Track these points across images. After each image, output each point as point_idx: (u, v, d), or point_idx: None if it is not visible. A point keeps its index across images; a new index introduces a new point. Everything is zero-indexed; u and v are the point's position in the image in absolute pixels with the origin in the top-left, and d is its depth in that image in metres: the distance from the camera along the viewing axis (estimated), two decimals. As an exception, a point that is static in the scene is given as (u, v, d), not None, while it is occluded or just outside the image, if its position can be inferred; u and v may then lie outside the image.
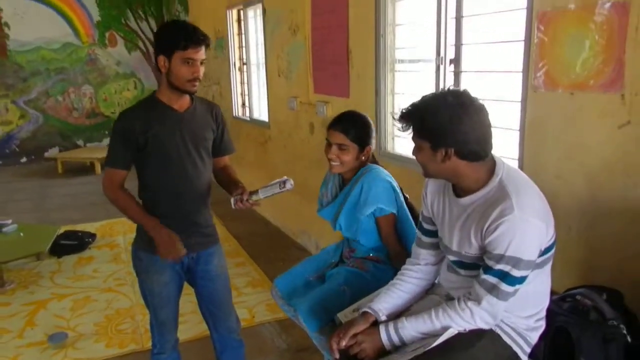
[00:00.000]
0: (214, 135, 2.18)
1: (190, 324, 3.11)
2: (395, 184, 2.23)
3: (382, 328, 1.63)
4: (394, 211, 2.18)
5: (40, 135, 8.99)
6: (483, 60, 2.63)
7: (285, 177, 2.02)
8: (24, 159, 8.95)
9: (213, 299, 2.26)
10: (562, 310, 1.65)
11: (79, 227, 5.09)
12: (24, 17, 8.54)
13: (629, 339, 1.53)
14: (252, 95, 5.70)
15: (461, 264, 1.66)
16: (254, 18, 5.36)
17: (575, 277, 2.04)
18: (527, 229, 1.48)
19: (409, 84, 3.11)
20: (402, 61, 3.14)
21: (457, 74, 2.68)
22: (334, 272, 2.27)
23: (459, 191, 1.64)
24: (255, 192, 2.03)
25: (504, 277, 1.49)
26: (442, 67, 2.70)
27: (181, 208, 2.10)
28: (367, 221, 2.19)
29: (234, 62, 5.99)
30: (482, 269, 1.55)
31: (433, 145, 1.54)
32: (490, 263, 1.51)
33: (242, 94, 6.02)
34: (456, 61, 2.68)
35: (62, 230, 4.76)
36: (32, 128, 8.95)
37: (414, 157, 1.67)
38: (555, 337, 1.63)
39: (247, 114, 5.87)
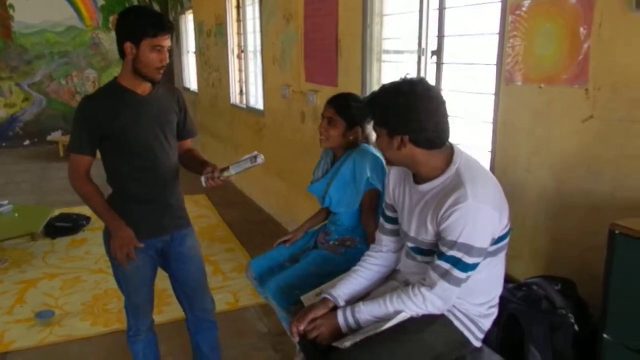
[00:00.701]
0: (178, 119, 2.20)
1: (176, 306, 3.16)
2: (384, 163, 2.26)
3: (339, 312, 1.68)
4: (380, 188, 2.22)
5: (44, 119, 9.11)
6: (464, 52, 2.65)
7: (255, 152, 2.04)
8: (26, 142, 9.08)
9: (187, 281, 2.29)
10: (515, 299, 1.69)
11: (75, 209, 5.16)
12: (29, -1, 8.61)
13: (576, 327, 1.57)
14: (249, 82, 5.73)
15: (418, 250, 1.70)
16: (252, 5, 5.38)
17: (541, 267, 2.07)
18: (479, 217, 1.52)
19: (395, 75, 3.13)
20: (388, 52, 3.16)
21: (438, 66, 2.70)
22: (305, 255, 2.34)
23: (418, 178, 1.69)
24: (226, 168, 2.05)
25: (457, 263, 1.54)
26: (423, 58, 2.73)
27: (153, 191, 2.12)
28: (353, 197, 2.23)
29: (233, 49, 6.02)
30: (436, 255, 1.59)
31: (389, 132, 1.59)
32: (443, 249, 1.56)
33: (239, 81, 6.06)
34: (438, 53, 2.70)
35: (57, 212, 4.85)
36: (35, 111, 9.06)
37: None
38: (507, 324, 1.67)
39: (244, 101, 5.91)
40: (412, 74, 2.76)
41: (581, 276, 1.83)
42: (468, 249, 1.52)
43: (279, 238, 2.53)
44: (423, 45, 2.72)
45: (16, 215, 4.38)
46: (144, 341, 2.30)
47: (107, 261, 3.92)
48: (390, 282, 1.83)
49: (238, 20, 5.85)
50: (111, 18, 9.18)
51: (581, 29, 1.80)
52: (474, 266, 1.55)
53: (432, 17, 2.69)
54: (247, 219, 5.06)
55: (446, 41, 2.66)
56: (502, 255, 1.67)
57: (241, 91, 6.05)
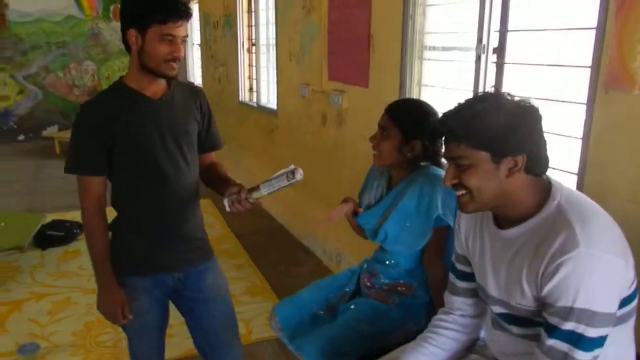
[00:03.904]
0: (199, 128, 1.81)
1: (178, 339, 2.72)
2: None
3: None
4: (451, 224, 1.73)
5: (39, 113, 8.64)
6: (531, 51, 2.21)
7: (292, 166, 1.64)
8: (21, 137, 8.61)
9: (208, 329, 1.86)
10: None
11: (69, 215, 4.71)
12: (25, -14, 8.13)
13: None
14: (260, 79, 5.28)
15: (511, 319, 1.27)
16: (265, -5, 4.93)
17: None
18: (599, 269, 1.11)
19: (440, 75, 2.69)
20: (433, 48, 2.71)
21: (499, 66, 2.26)
22: (349, 306, 1.86)
23: (502, 221, 1.28)
24: (256, 188, 1.66)
25: (578, 340, 1.11)
26: (483, 56, 2.27)
27: (161, 218, 1.73)
28: (418, 235, 1.77)
29: (242, 42, 5.56)
30: (544, 332, 1.17)
31: (495, 155, 1.18)
32: (554, 321, 1.14)
33: (249, 78, 5.60)
34: (499, 50, 2.25)
35: (49, 219, 4.40)
36: (30, 104, 8.60)
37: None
38: None
39: (255, 99, 5.46)
40: (471, 76, 2.35)
41: None
42: (590, 317, 1.10)
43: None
44: (484, 42, 2.26)
45: (2, 224, 3.93)
46: None
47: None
48: (471, 356, 1.40)
49: (249, 12, 5.39)
50: (112, 7, 8.70)
51: None
52: (600, 341, 1.12)
53: (495, 8, 2.24)
54: (257, 230, 4.60)
55: (510, 37, 2.22)
56: (631, 323, 1.25)
57: (251, 88, 5.60)
